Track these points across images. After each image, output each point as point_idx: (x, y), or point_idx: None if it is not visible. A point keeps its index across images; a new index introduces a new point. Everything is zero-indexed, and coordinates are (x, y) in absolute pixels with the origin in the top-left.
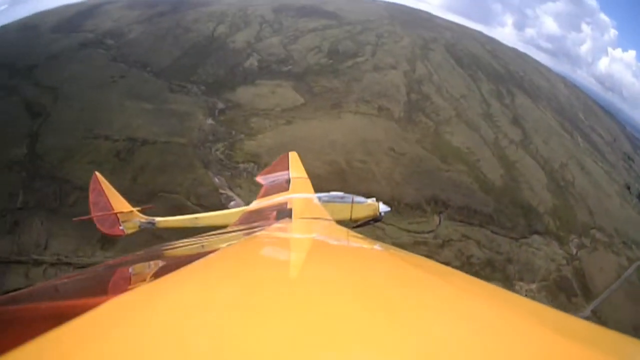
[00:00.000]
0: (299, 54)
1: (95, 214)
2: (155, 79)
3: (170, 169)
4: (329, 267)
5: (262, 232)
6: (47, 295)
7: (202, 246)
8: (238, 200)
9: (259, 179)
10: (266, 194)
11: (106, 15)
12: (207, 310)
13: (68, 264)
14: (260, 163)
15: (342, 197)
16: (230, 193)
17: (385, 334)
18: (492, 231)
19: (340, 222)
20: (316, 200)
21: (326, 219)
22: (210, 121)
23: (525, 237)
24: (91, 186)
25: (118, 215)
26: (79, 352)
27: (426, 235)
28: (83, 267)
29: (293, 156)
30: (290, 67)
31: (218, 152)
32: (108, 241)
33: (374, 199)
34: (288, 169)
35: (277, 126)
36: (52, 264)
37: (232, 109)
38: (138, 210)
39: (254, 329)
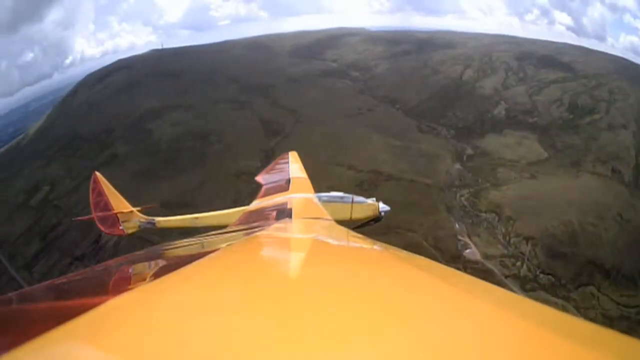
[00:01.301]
0: (542, 105)
1: (95, 214)
2: (404, 116)
3: (413, 207)
4: (328, 267)
5: (262, 232)
6: (47, 295)
7: (202, 246)
8: (474, 249)
9: (259, 178)
10: (266, 194)
11: (349, 48)
12: (207, 309)
13: None
14: (502, 215)
15: (342, 197)
16: (468, 241)
17: (385, 334)
18: None
19: (340, 222)
20: (316, 200)
21: (326, 219)
22: (458, 166)
23: None
24: (91, 186)
25: (118, 215)
26: (79, 352)
27: (631, 310)
28: None
29: (293, 156)
30: (535, 118)
31: (462, 198)
32: None
33: (374, 198)
34: (288, 168)
35: (522, 179)
36: None
37: (480, 156)
38: (138, 210)
39: (254, 328)
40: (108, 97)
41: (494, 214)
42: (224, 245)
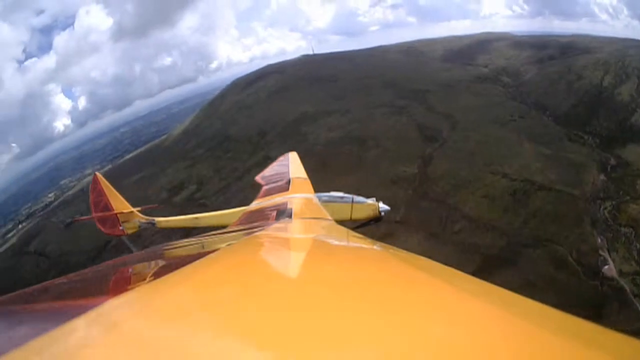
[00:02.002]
0: None
1: (96, 214)
2: (554, 124)
3: (560, 219)
4: (329, 267)
5: (262, 232)
6: (47, 295)
7: (202, 246)
8: (611, 265)
9: (259, 178)
10: (266, 194)
11: (497, 53)
12: (207, 310)
13: None
14: (638, 231)
15: (342, 197)
16: (607, 256)
17: (385, 334)
18: None
19: (341, 222)
20: (316, 200)
21: (326, 219)
22: (602, 177)
23: None
24: (91, 186)
25: (118, 215)
26: (79, 352)
27: None
28: None
29: (293, 156)
30: None
31: (605, 211)
32: (479, 275)
33: (374, 198)
34: (288, 169)
35: None
36: None
37: (622, 167)
38: (138, 211)
39: (254, 329)
40: (260, 100)
41: (630, 229)
42: (224, 245)
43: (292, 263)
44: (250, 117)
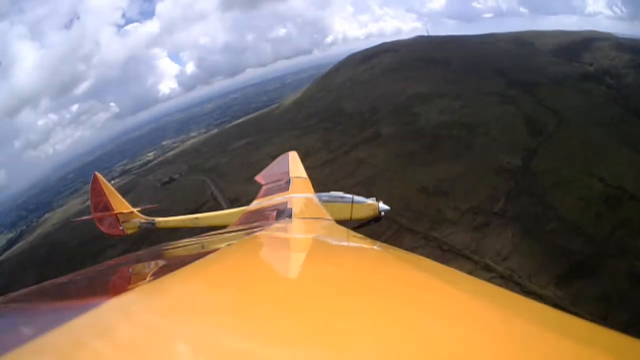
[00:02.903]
0: None
1: (95, 214)
2: None
3: None
4: (329, 267)
5: (262, 232)
6: (47, 295)
7: (202, 246)
8: None
9: (259, 178)
10: (266, 194)
11: (601, 52)
12: (207, 310)
13: (518, 284)
14: None
15: (342, 197)
16: None
17: (385, 334)
18: None
19: (341, 222)
20: (316, 200)
21: (326, 219)
22: None
23: None
24: (91, 186)
25: (118, 215)
26: (79, 352)
27: None
28: (530, 293)
29: (293, 156)
30: None
31: None
32: (562, 280)
33: (374, 198)
34: (288, 168)
35: None
36: (502, 277)
37: None
38: (138, 211)
39: (253, 329)
40: (374, 77)
41: None
42: (224, 245)
43: (292, 263)
44: (363, 93)
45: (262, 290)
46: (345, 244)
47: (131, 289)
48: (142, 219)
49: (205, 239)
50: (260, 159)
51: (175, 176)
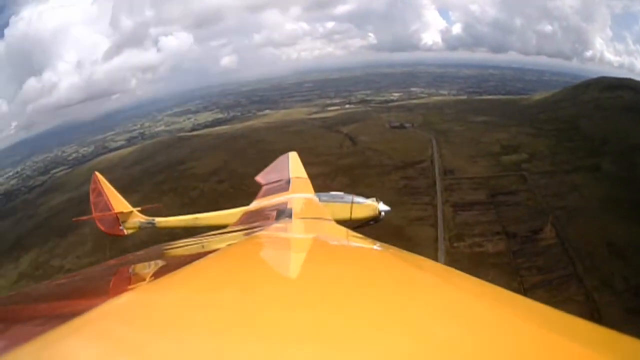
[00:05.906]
0: None
1: (95, 214)
2: None
3: None
4: (328, 267)
5: (262, 232)
6: (47, 295)
7: (202, 246)
8: None
9: (259, 178)
10: (266, 194)
11: None
12: (207, 310)
13: None
14: None
15: (342, 197)
16: None
17: (385, 334)
18: None
19: (340, 222)
20: (316, 200)
21: (326, 219)
22: None
23: None
24: (91, 186)
25: (118, 215)
26: (79, 352)
27: None
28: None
29: (293, 156)
30: None
31: None
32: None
33: (374, 198)
34: (288, 169)
35: None
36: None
37: None
38: (138, 211)
39: (254, 328)
40: (615, 107)
41: None
42: (224, 245)
43: (292, 263)
44: (599, 120)
45: (262, 290)
46: (345, 244)
47: (131, 289)
48: (142, 218)
49: (205, 239)
50: (489, 143)
51: (407, 125)
